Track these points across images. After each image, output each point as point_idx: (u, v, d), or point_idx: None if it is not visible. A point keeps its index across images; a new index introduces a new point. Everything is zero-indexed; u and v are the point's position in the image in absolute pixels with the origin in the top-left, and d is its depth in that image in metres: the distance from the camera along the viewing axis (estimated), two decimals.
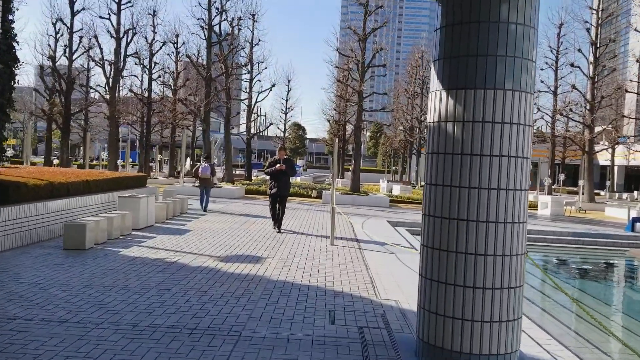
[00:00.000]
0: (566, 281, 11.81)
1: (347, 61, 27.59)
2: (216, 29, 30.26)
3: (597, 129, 36.26)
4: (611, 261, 15.16)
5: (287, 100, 60.29)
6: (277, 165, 13.53)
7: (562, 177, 41.79)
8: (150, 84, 39.16)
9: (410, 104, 50.63)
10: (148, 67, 39.00)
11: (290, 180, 14.69)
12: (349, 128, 60.45)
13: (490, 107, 4.51)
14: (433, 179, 4.81)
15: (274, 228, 13.82)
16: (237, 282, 7.81)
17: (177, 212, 16.04)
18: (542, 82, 39.79)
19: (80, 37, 30.27)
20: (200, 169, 18.29)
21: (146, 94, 39.87)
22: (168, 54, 37.83)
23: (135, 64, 39.93)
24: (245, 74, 36.25)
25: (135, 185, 17.44)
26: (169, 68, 41.46)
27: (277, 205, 13.71)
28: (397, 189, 32.89)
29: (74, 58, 30.89)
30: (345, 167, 57.12)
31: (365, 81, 26.04)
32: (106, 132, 58.42)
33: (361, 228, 15.44)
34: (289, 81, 59.05)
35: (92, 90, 34.63)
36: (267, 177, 15.69)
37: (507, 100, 4.53)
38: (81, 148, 62.36)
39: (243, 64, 34.44)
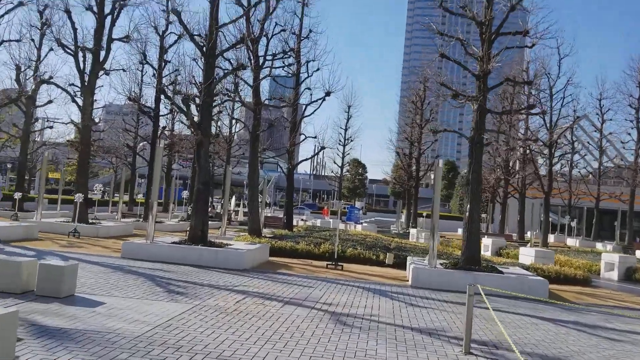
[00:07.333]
0: None
1: (458, 25, 15.46)
2: None
3: None
4: None
5: (346, 130, 48.72)
6: None
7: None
8: (158, 90, 28.27)
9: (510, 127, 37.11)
10: (157, 66, 28.25)
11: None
12: (422, 164, 48.05)
13: None
14: None
15: None
16: None
17: None
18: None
19: None
20: None
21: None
22: (194, 59, 27.23)
23: (141, 62, 29.41)
24: (281, 66, 24.66)
25: None
26: (194, 77, 30.60)
27: None
28: (528, 255, 20.07)
29: None
30: (418, 212, 44.23)
31: (494, 57, 13.91)
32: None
33: None
34: (349, 107, 47.73)
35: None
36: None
37: None
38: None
39: (282, 51, 22.86)
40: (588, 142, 44.86)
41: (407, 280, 13.42)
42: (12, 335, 5.07)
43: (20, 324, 6.37)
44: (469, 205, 14.20)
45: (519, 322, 9.12)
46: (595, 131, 42.72)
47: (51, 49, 27.80)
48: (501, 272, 13.37)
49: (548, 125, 31.35)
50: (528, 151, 31.82)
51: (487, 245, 26.24)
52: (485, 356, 6.69)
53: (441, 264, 13.95)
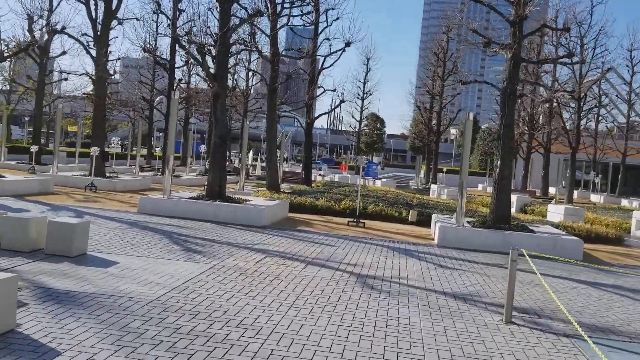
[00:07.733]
0: None
1: None
2: None
3: None
4: None
5: (364, 83, 47.61)
6: None
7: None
8: (173, 39, 27.44)
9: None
10: (171, 16, 27.35)
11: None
12: (443, 119, 46.73)
13: None
14: None
15: None
16: None
17: None
18: None
19: None
20: None
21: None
22: (209, 9, 25.86)
23: (155, 11, 28.60)
24: (299, 15, 23.59)
25: None
26: (209, 28, 29.64)
27: None
28: (557, 212, 19.44)
29: None
30: (438, 167, 43.41)
31: (531, 0, 12.91)
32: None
33: None
34: (368, 60, 46.47)
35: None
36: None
37: None
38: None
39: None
40: (616, 96, 43.20)
41: (433, 239, 12.89)
42: (12, 303, 4.61)
43: (26, 286, 5.96)
44: (499, 161, 13.47)
45: (557, 286, 8.54)
46: (625, 84, 41.04)
47: None
48: (532, 231, 12.74)
49: (577, 77, 29.98)
50: (555, 104, 30.53)
51: (512, 202, 25.50)
52: (528, 325, 6.14)
53: (469, 223, 13.36)
